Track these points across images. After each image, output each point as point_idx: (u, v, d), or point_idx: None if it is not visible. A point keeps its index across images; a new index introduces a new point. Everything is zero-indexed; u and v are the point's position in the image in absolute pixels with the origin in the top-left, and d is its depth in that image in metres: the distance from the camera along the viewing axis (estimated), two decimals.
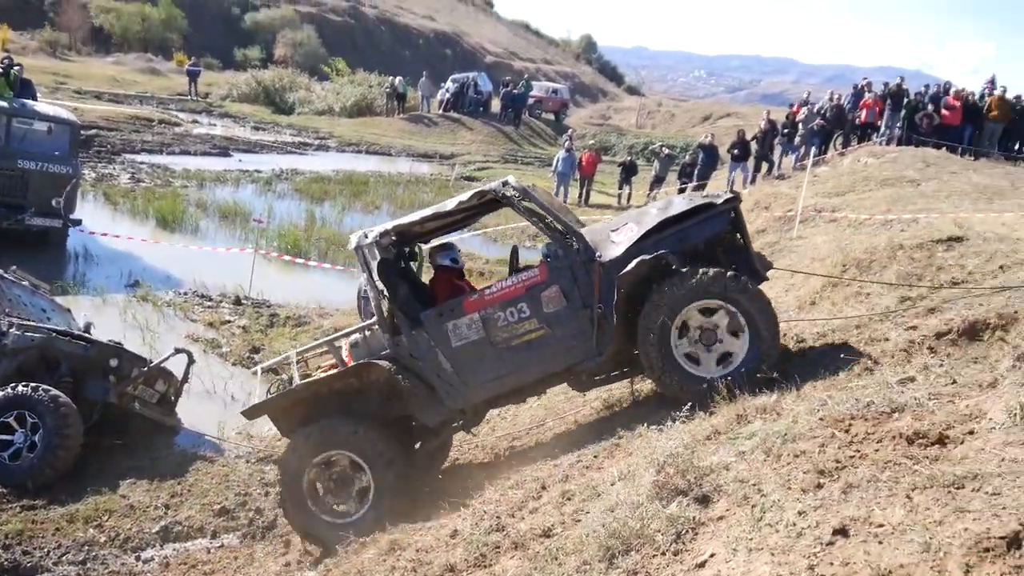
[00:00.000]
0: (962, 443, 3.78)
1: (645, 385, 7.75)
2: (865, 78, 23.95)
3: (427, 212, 7.08)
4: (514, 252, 7.86)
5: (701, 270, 6.10)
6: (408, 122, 39.40)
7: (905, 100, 20.73)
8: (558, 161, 24.96)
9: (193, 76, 42.32)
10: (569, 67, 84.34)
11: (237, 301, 13.39)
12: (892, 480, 3.55)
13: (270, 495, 7.87)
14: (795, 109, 22.81)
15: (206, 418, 9.70)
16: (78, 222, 14.64)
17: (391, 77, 42.72)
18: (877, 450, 3.91)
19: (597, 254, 6.49)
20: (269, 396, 7.00)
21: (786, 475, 3.94)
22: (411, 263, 7.98)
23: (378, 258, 6.76)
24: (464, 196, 6.86)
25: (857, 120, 21.60)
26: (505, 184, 6.78)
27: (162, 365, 9.04)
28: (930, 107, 20.31)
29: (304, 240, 17.08)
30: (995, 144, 19.93)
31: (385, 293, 6.65)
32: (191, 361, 9.38)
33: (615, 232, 6.73)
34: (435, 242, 7.90)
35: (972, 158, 18.75)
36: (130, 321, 12.03)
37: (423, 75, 42.53)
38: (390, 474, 6.49)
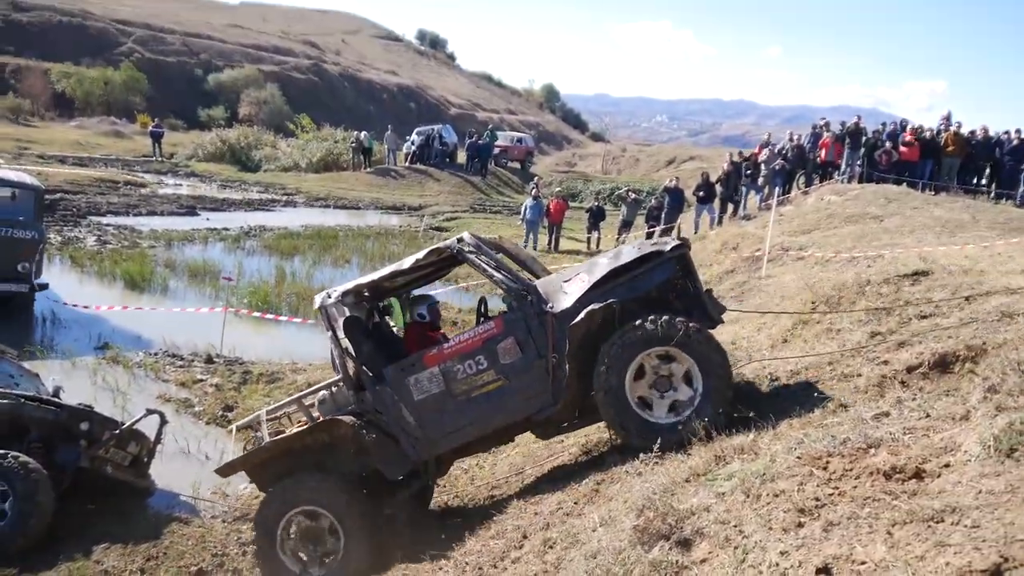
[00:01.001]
0: (939, 476, 3.81)
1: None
2: (823, 118, 24.42)
3: (386, 271, 7.25)
4: (482, 302, 8.02)
5: (651, 318, 6.14)
6: (375, 175, 39.55)
7: (864, 138, 21.14)
8: (526, 209, 25.13)
9: (157, 137, 42.32)
10: (533, 116, 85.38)
11: (209, 359, 13.26)
12: (872, 516, 3.57)
13: (248, 555, 7.75)
14: (757, 150, 23.17)
15: (180, 479, 9.55)
16: (44, 286, 14.50)
17: (356, 132, 43.01)
18: (855, 487, 3.93)
19: (549, 305, 6.56)
20: (242, 454, 7.08)
21: (766, 515, 3.95)
22: (384, 318, 8.09)
23: (345, 315, 6.94)
24: (420, 254, 6.98)
25: (818, 159, 21.98)
26: (460, 240, 6.93)
27: (134, 427, 8.90)
28: (888, 144, 20.74)
29: (275, 296, 16.99)
30: (954, 178, 20.35)
31: (349, 350, 6.78)
32: (163, 422, 9.26)
33: (567, 283, 6.80)
34: (415, 293, 7.98)
35: (932, 193, 19.10)
36: (100, 384, 11.87)
37: (388, 129, 42.85)
38: (359, 528, 6.58)
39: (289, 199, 34.08)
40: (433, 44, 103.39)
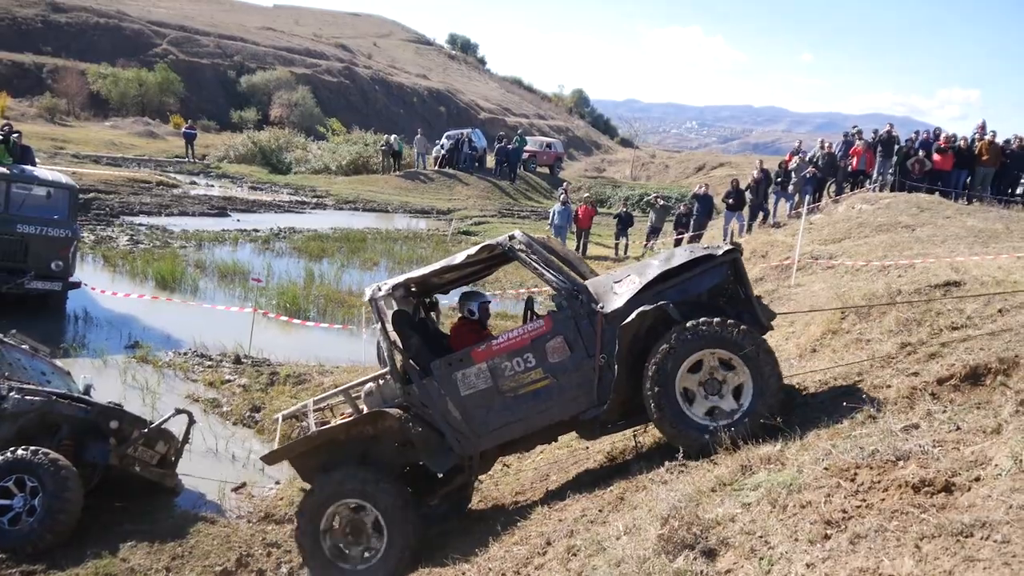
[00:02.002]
0: (968, 490, 3.76)
1: (647, 437, 7.73)
2: (855, 126, 24.20)
3: (437, 266, 7.31)
4: (529, 302, 8.08)
5: (703, 321, 6.12)
6: (404, 179, 39.69)
7: (896, 147, 20.94)
8: (554, 214, 25.10)
9: (190, 138, 42.72)
10: (562, 121, 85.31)
11: (237, 360, 13.36)
12: (900, 529, 3.53)
13: (272, 556, 7.81)
14: (788, 158, 23.01)
15: (207, 478, 9.63)
16: (77, 285, 14.70)
17: (386, 135, 43.17)
18: (883, 499, 3.90)
19: (600, 305, 6.58)
20: (285, 443, 7.18)
21: (793, 526, 3.92)
22: (431, 312, 8.19)
23: (394, 309, 7.04)
24: (472, 250, 7.07)
25: (849, 167, 21.80)
26: (511, 238, 6.96)
27: (162, 426, 8.98)
28: (921, 153, 20.53)
29: (303, 298, 17.10)
30: (987, 188, 20.10)
31: (398, 343, 6.86)
32: (192, 421, 9.33)
33: (618, 284, 6.83)
34: (464, 290, 8.05)
35: (965, 202, 18.89)
36: (130, 382, 12.01)
37: (418, 132, 42.98)
38: (403, 526, 6.62)
39: (319, 201, 34.28)
40: (464, 48, 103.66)
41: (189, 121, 46.10)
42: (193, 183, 35.12)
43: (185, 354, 13.62)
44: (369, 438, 6.95)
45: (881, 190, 20.47)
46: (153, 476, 8.86)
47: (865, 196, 20.05)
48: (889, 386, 6.33)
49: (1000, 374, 5.81)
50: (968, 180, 20.16)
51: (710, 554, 4.04)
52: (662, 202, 26.91)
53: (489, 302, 7.85)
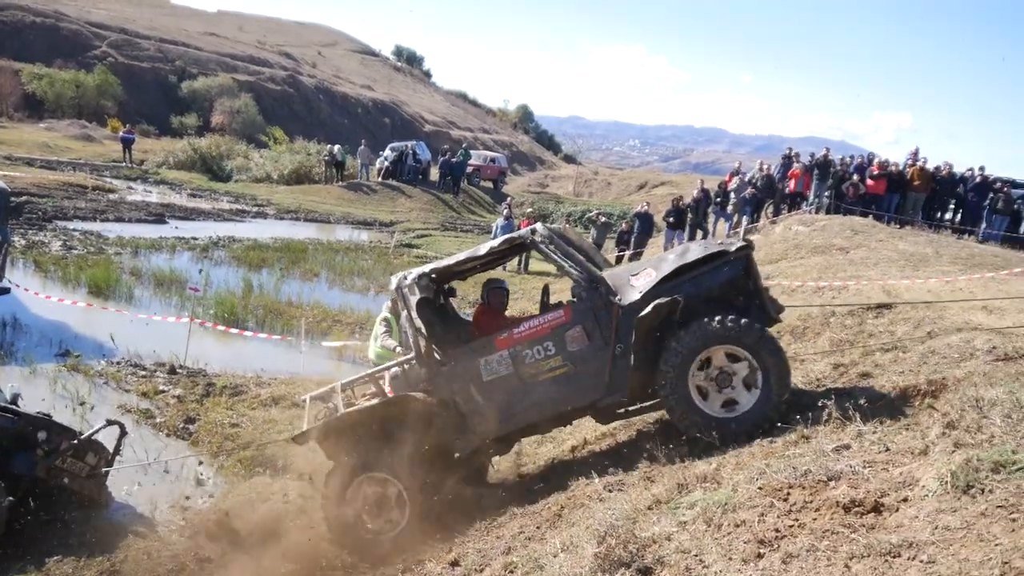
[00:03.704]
0: (897, 511, 3.86)
1: (588, 450, 7.79)
2: (790, 148, 24.75)
3: (461, 256, 7.75)
4: (545, 290, 8.52)
5: (716, 316, 6.47)
6: (347, 190, 39.43)
7: (831, 170, 21.45)
8: (497, 229, 25.12)
9: (128, 143, 41.88)
10: (507, 136, 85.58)
11: (172, 370, 13.10)
12: (830, 549, 3.61)
13: (205, 570, 7.65)
14: (728, 178, 23.41)
15: (139, 491, 9.43)
16: (7, 290, 14.29)
17: (329, 145, 42.87)
18: (815, 519, 3.98)
19: (617, 297, 6.88)
20: (316, 424, 7.43)
21: (727, 545, 3.98)
22: (449, 299, 8.60)
23: (418, 296, 7.27)
24: (495, 243, 7.60)
25: (787, 189, 22.26)
26: (533, 231, 7.30)
27: (93, 437, 8.76)
28: (855, 177, 21.06)
29: (241, 308, 16.86)
30: (918, 212, 20.70)
31: (423, 330, 7.12)
32: (123, 433, 9.10)
33: (635, 276, 7.18)
34: (488, 277, 8.52)
35: (897, 226, 19.40)
36: (60, 392, 11.69)
37: (362, 143, 42.76)
38: (423, 496, 6.98)
39: (259, 210, 33.86)
40: (409, 60, 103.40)
41: (127, 125, 45.13)
42: (130, 189, 34.43)
43: (118, 363, 13.32)
44: (394, 420, 7.21)
45: (817, 212, 20.93)
46: (82, 489, 8.63)
47: (802, 218, 20.48)
48: (822, 406, 6.46)
49: (928, 396, 5.98)
50: (900, 204, 20.74)
51: (646, 572, 4.07)
52: (603, 219, 27.13)
53: (506, 289, 8.29)
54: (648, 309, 6.60)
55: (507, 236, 7.59)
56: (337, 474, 7.26)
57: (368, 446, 7.22)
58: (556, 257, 7.11)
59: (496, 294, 8.09)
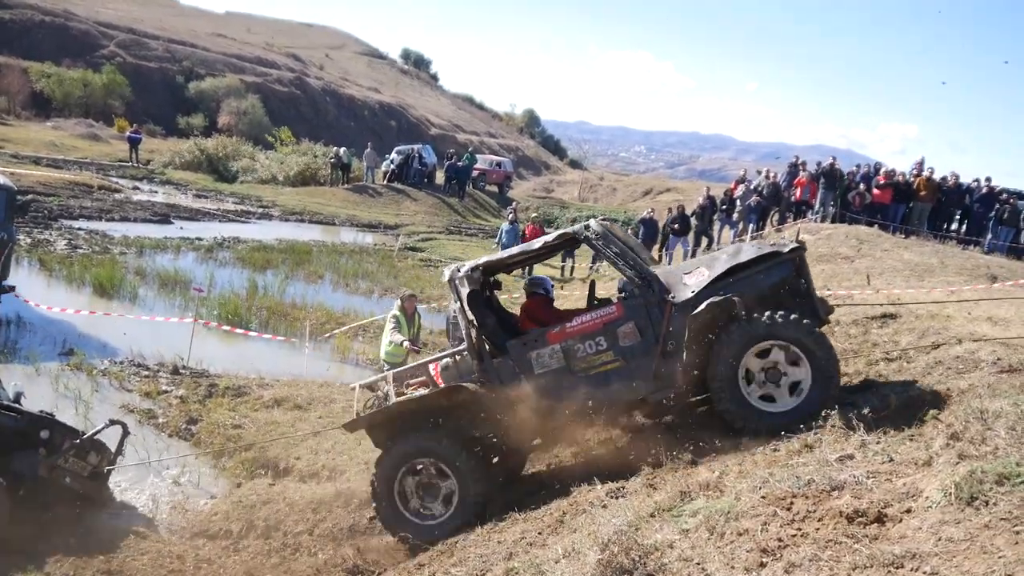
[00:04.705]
0: (900, 522, 3.85)
1: (590, 455, 7.78)
2: (796, 156, 24.71)
3: (515, 250, 8.14)
4: (592, 286, 8.71)
5: (768, 313, 6.59)
6: (352, 192, 39.44)
7: (837, 179, 21.42)
8: (502, 233, 25.12)
9: (134, 143, 41.95)
10: (513, 140, 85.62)
11: (175, 371, 13.11)
12: (833, 559, 3.60)
13: (202, 571, 7.65)
14: (733, 186, 23.39)
15: (140, 492, 9.43)
16: (11, 288, 14.30)
17: (335, 147, 42.88)
18: (818, 528, 3.96)
19: (671, 295, 7.00)
20: (367, 412, 7.65)
21: (729, 554, 3.97)
22: (494, 291, 8.75)
23: (467, 289, 7.45)
24: (549, 237, 7.75)
25: (792, 197, 22.22)
26: (587, 227, 7.48)
27: (95, 437, 8.78)
28: (862, 186, 21.04)
29: (245, 309, 16.87)
30: (924, 223, 20.65)
31: (474, 322, 7.31)
32: (125, 433, 9.12)
33: (687, 275, 7.30)
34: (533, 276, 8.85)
35: (903, 236, 19.36)
36: (63, 391, 11.70)
37: (368, 146, 42.74)
38: (474, 484, 7.16)
39: (264, 212, 33.88)
40: (417, 64, 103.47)
41: (134, 125, 45.23)
42: (136, 188, 34.49)
43: (121, 363, 13.33)
44: (442, 410, 7.39)
45: (823, 221, 20.90)
46: (84, 488, 8.63)
47: (807, 226, 20.43)
48: (826, 415, 6.45)
49: (933, 406, 5.96)
50: (906, 214, 20.71)
51: None
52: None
53: (549, 286, 8.42)
54: (702, 307, 6.74)
55: (561, 231, 7.76)
56: (387, 461, 7.41)
57: (420, 434, 7.35)
58: (609, 253, 7.28)
59: (544, 287, 8.26)
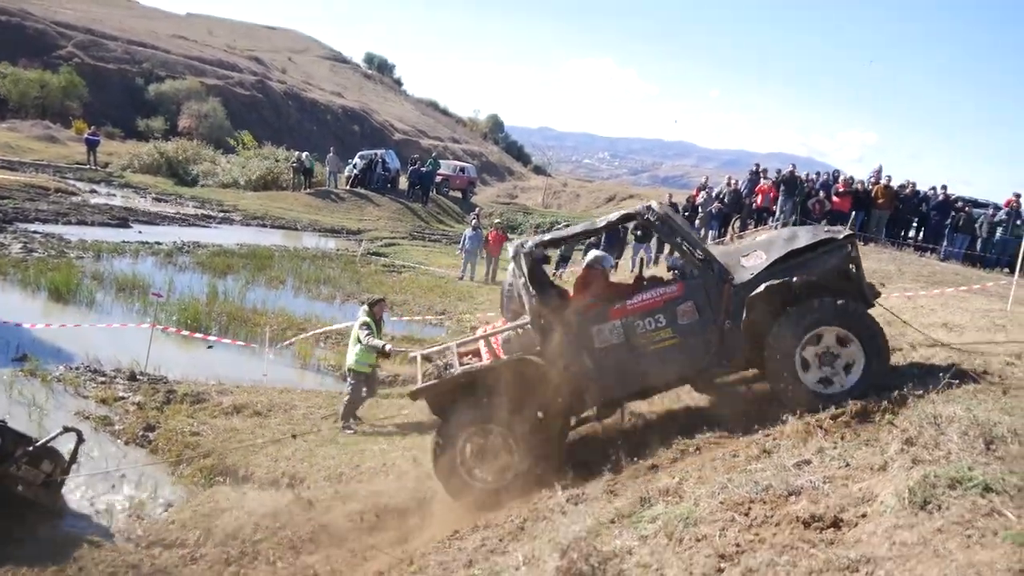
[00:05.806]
0: (855, 526, 3.89)
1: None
2: (758, 164, 24.97)
3: (578, 228, 8.33)
4: (642, 263, 9.58)
5: (824, 298, 6.90)
6: (315, 197, 39.20)
7: (798, 186, 21.69)
8: (465, 239, 25.12)
9: (92, 145, 41.39)
10: (476, 146, 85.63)
11: (132, 377, 12.90)
12: (790, 564, 3.62)
13: None
14: (695, 193, 23.58)
15: (95, 500, 9.27)
16: None
17: (298, 152, 42.62)
18: (775, 534, 3.99)
19: (730, 276, 7.26)
20: (431, 381, 7.73)
21: (688, 559, 3.98)
22: (543, 266, 8.86)
23: (530, 264, 7.70)
24: (612, 216, 8.05)
25: (754, 205, 22.46)
26: (649, 209, 7.77)
27: (49, 444, 8.61)
28: (821, 194, 21.31)
29: (205, 314, 16.67)
30: (882, 230, 20.98)
31: (537, 296, 7.53)
32: (80, 440, 8.94)
33: (745, 258, 7.59)
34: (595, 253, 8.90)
35: (861, 243, 19.59)
36: (16, 397, 11.46)
37: (331, 150, 42.56)
38: (531, 453, 7.34)
39: (225, 216, 33.56)
40: (380, 68, 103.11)
41: (92, 127, 44.62)
42: (94, 191, 34.01)
43: (77, 369, 13.08)
44: (507, 380, 7.48)
45: (783, 227, 21.12)
46: (37, 497, 8.46)
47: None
48: (784, 421, 6.52)
49: (888, 412, 6.04)
50: (864, 222, 21.01)
51: None
52: None
53: (609, 262, 8.76)
54: (760, 289, 7.03)
55: (624, 212, 8.04)
56: (448, 426, 7.62)
57: (485, 402, 7.49)
58: (670, 234, 7.65)
59: (605, 261, 8.56)
